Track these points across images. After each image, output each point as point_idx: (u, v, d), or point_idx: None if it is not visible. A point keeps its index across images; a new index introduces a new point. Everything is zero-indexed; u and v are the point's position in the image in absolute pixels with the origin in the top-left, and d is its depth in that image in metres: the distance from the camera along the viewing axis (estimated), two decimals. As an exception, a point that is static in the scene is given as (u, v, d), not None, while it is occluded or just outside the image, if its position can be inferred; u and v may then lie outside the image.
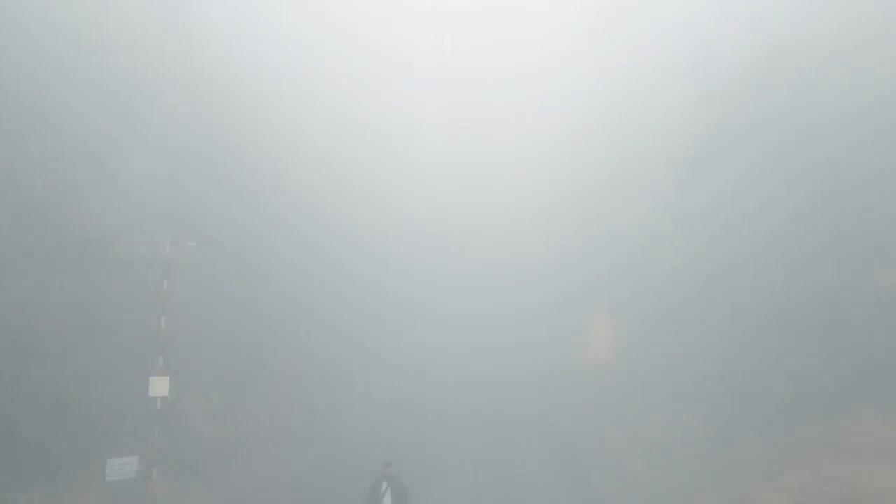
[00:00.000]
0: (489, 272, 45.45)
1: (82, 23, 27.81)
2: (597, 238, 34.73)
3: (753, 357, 22.16)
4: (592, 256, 35.07)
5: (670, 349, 26.29)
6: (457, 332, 43.09)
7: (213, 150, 30.91)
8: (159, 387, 15.53)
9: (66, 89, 26.08)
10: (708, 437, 22.16)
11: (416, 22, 55.52)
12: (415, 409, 33.79)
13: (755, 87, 25.51)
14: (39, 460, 18.00)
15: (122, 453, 17.51)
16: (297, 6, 43.70)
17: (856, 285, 20.61)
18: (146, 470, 15.96)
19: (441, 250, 50.15)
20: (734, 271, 24.22)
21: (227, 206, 28.95)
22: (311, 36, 44.85)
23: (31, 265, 21.19)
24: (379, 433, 28.66)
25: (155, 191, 25.49)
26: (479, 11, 54.57)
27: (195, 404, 22.45)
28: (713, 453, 21.26)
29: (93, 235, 23.22)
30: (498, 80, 50.86)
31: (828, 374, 19.88)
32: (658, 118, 30.89)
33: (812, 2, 27.54)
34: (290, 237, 36.25)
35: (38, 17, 26.18)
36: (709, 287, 25.45)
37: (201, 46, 32.97)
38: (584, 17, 43.33)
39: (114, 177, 24.73)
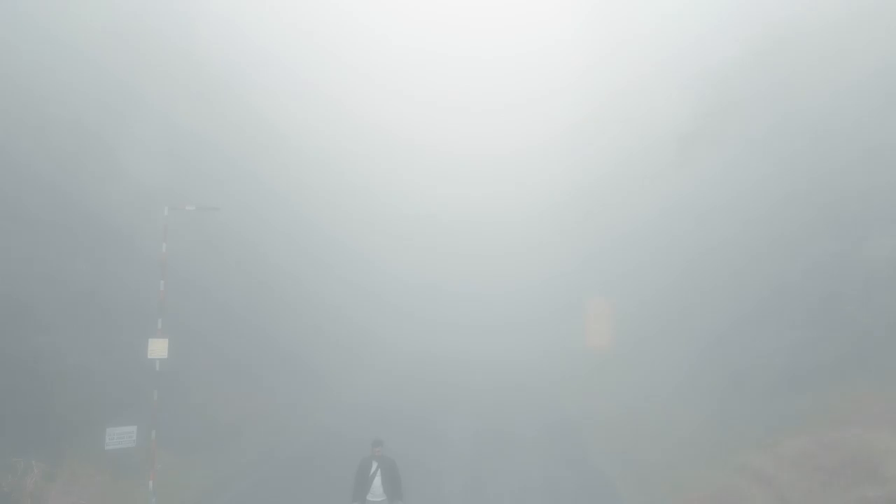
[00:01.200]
0: (488, 255, 45.72)
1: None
2: (595, 218, 34.84)
3: (751, 331, 22.25)
4: (591, 236, 35.19)
5: (668, 324, 26.41)
6: (462, 311, 43.49)
7: (211, 124, 30.96)
8: (158, 349, 15.47)
9: (66, 65, 26.11)
10: (707, 409, 22.28)
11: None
12: (415, 379, 34.13)
13: (754, 66, 25.55)
14: (39, 428, 17.98)
15: (121, 420, 17.50)
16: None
17: (851, 258, 20.67)
18: (145, 432, 15.91)
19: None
20: (730, 247, 24.29)
21: (225, 176, 28.90)
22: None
23: (31, 232, 21.21)
24: (382, 399, 28.92)
25: (154, 160, 25.50)
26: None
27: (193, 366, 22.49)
28: (712, 424, 21.38)
29: (93, 202, 23.23)
30: (498, 61, 50.89)
31: (824, 347, 19.97)
32: (657, 96, 30.96)
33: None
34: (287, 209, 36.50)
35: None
36: (706, 262, 25.53)
37: (200, 23, 32.98)
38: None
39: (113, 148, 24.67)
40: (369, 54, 49.48)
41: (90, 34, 27.60)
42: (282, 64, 40.89)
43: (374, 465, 14.40)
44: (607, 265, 33.24)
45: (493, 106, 52.18)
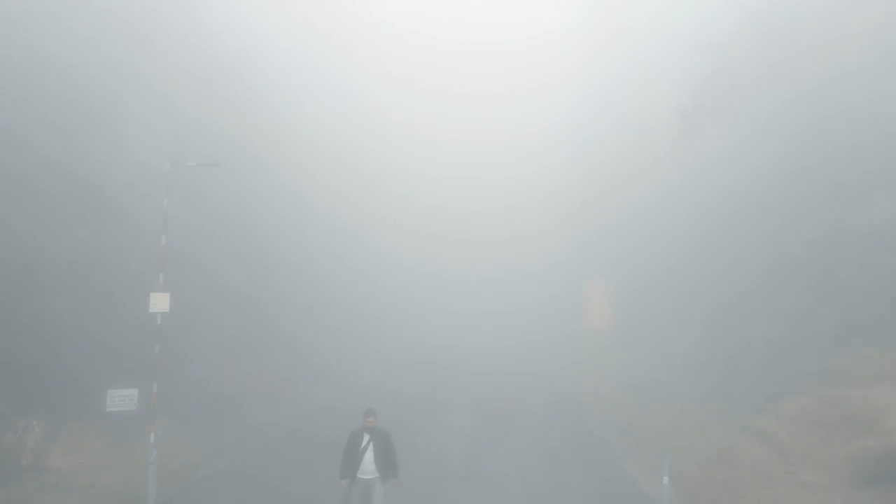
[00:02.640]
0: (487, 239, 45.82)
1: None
2: (596, 201, 34.94)
3: (751, 304, 22.32)
4: (591, 219, 35.28)
5: (669, 302, 26.50)
6: (463, 295, 43.61)
7: (213, 106, 31.04)
8: (160, 302, 15.52)
9: (66, 34, 26.23)
10: (708, 381, 22.33)
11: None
12: (424, 360, 34.24)
13: (756, 44, 25.66)
14: (40, 390, 18.03)
15: (124, 380, 17.49)
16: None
17: (851, 227, 20.75)
18: (146, 395, 15.93)
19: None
20: (731, 223, 24.39)
21: (226, 158, 28.98)
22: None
23: (31, 202, 21.28)
24: (383, 379, 29.04)
25: (153, 137, 25.61)
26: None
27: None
28: (713, 395, 21.43)
29: (92, 175, 23.30)
30: (496, 45, 51.01)
31: (824, 311, 20.01)
32: (658, 78, 31.09)
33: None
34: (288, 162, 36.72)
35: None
36: (707, 240, 25.62)
37: (203, 8, 33.15)
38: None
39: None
40: (367, 39, 49.67)
41: (91, 13, 27.73)
42: (284, 49, 41.07)
43: (366, 437, 12.63)
44: (608, 248, 33.35)
45: (492, 92, 52.36)
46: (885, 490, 13.09)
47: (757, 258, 23.12)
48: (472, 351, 39.12)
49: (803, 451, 15.63)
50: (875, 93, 21.82)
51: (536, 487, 16.77)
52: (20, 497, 14.75)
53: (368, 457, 12.56)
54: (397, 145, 50.80)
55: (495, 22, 53.80)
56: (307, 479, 16.13)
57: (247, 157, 33.32)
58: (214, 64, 34.37)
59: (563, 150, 42.98)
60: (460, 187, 52.06)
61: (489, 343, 40.16)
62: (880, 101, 21.67)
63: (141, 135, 26.42)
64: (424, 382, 30.80)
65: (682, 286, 26.37)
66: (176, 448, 18.10)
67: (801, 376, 18.66)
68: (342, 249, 42.34)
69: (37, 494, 14.85)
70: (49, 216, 21.54)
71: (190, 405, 21.70)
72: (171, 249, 17.33)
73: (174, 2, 32.61)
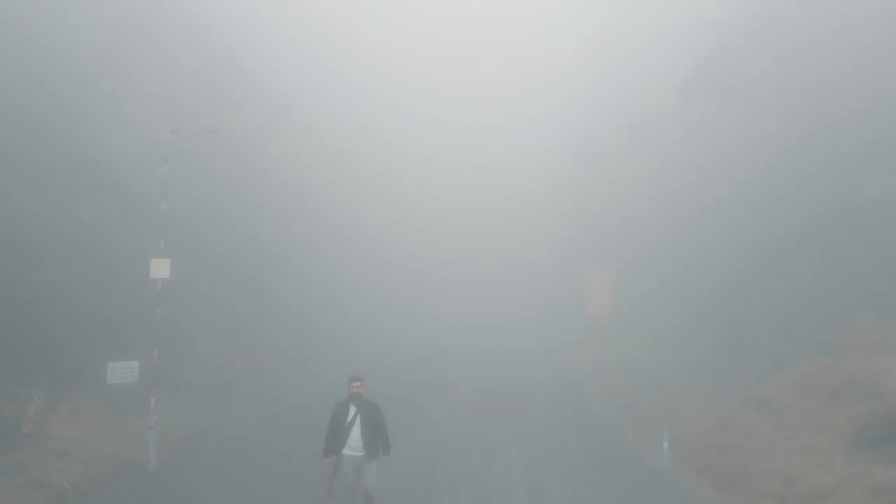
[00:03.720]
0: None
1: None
2: (597, 174, 34.94)
3: (751, 279, 22.35)
4: (591, 200, 35.29)
5: (671, 271, 26.54)
6: (462, 278, 43.65)
7: (214, 89, 31.08)
8: (160, 268, 15.52)
9: (67, 18, 26.22)
10: (708, 356, 22.36)
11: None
12: (426, 341, 34.33)
13: (757, 15, 25.58)
14: (40, 361, 18.04)
15: (124, 353, 17.49)
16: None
17: (852, 200, 20.75)
18: (148, 354, 15.94)
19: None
20: (731, 193, 24.39)
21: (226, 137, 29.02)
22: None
23: (31, 176, 21.29)
24: (384, 360, 29.13)
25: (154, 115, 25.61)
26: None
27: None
28: (713, 369, 21.45)
29: (93, 151, 23.32)
30: (494, 28, 50.88)
31: (825, 284, 19.99)
32: (659, 46, 31.06)
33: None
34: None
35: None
36: (707, 216, 25.64)
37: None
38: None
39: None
40: (365, 22, 49.63)
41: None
42: (283, 29, 41.05)
43: (353, 409, 11.16)
44: (608, 227, 33.34)
45: (491, 77, 52.36)
46: (886, 451, 13.08)
47: (758, 233, 23.13)
48: (473, 328, 39.29)
49: (803, 418, 15.63)
50: (875, 66, 21.80)
51: (536, 455, 16.81)
52: (20, 462, 14.74)
53: (355, 431, 11.10)
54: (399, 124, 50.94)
55: (495, 8, 53.76)
56: (308, 449, 16.16)
57: (246, 136, 33.35)
58: (214, 44, 34.39)
59: (563, 133, 42.99)
60: (463, 174, 52.13)
61: (489, 321, 40.53)
62: (880, 74, 21.65)
63: (141, 111, 26.43)
64: (427, 362, 30.91)
65: (683, 263, 26.40)
66: (177, 420, 18.07)
67: (801, 348, 18.65)
68: (347, 231, 42.41)
69: (37, 460, 14.84)
70: (49, 191, 21.56)
71: (191, 379, 21.75)
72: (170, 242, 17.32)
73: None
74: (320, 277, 37.20)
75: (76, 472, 14.38)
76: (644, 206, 29.70)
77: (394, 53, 51.77)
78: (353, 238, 43.14)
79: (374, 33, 50.83)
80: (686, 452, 16.06)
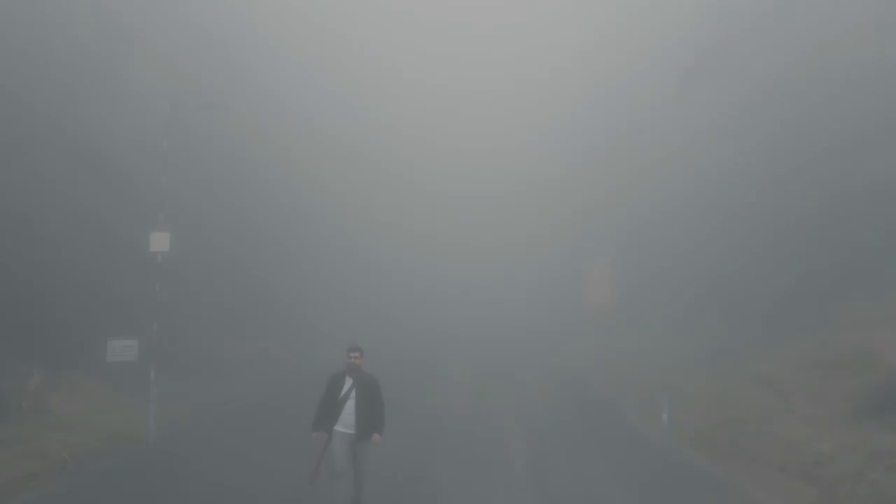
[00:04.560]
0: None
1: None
2: (595, 167, 34.98)
3: (755, 254, 22.39)
4: (591, 187, 35.30)
5: (676, 252, 26.59)
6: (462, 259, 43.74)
7: (214, 72, 31.11)
8: (160, 241, 15.53)
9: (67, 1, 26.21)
10: (708, 338, 22.40)
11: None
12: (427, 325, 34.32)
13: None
14: (40, 339, 18.06)
15: (124, 331, 17.48)
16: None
17: (851, 178, 20.79)
18: (148, 324, 15.95)
19: None
20: (734, 172, 24.44)
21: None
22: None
23: (31, 156, 21.30)
24: (385, 348, 29.14)
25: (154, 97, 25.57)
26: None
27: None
28: (714, 350, 21.46)
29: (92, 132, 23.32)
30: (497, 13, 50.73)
31: (825, 264, 20.04)
32: (659, 30, 31.08)
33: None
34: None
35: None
36: (705, 199, 25.67)
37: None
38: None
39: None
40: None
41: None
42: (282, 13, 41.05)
43: (349, 382, 10.16)
44: (609, 209, 33.36)
45: (490, 62, 52.35)
46: (886, 419, 13.08)
47: (758, 215, 23.16)
48: (474, 306, 39.42)
49: (803, 390, 15.68)
50: (875, 47, 21.82)
51: (535, 432, 16.81)
52: (20, 434, 14.73)
53: (349, 406, 10.03)
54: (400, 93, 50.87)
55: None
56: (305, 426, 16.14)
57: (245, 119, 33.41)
58: (214, 26, 34.46)
59: (565, 117, 42.93)
60: (467, 163, 52.19)
61: (488, 300, 40.71)
62: (880, 55, 21.68)
63: (140, 89, 26.43)
64: (425, 352, 30.90)
65: (684, 246, 26.43)
66: (176, 398, 18.10)
67: (801, 326, 18.71)
68: (347, 217, 42.45)
69: (37, 432, 14.83)
70: (49, 170, 21.56)
71: (190, 361, 21.79)
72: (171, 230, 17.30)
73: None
74: (323, 262, 37.25)
75: (76, 443, 14.35)
76: (645, 189, 29.71)
77: (393, 49, 51.83)
78: (356, 224, 43.20)
79: (373, 33, 50.92)
80: (686, 426, 16.07)
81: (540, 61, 47.15)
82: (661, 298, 26.83)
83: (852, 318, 17.69)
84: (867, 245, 19.53)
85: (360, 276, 40.22)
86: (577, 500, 11.55)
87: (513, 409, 19.45)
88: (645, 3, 33.26)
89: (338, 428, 10.05)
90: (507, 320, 38.52)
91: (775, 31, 24.64)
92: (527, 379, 24.36)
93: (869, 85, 21.82)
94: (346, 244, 41.01)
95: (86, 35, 25.68)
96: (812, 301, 19.61)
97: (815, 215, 21.25)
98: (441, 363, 27.51)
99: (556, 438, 16.07)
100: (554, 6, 46.69)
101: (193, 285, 24.79)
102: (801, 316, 19.41)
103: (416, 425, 16.29)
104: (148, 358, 15.70)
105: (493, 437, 16.07)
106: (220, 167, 30.76)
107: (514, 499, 11.61)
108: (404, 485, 12.16)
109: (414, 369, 24.93)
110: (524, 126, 48.45)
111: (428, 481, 12.46)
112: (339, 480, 10.01)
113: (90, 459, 13.84)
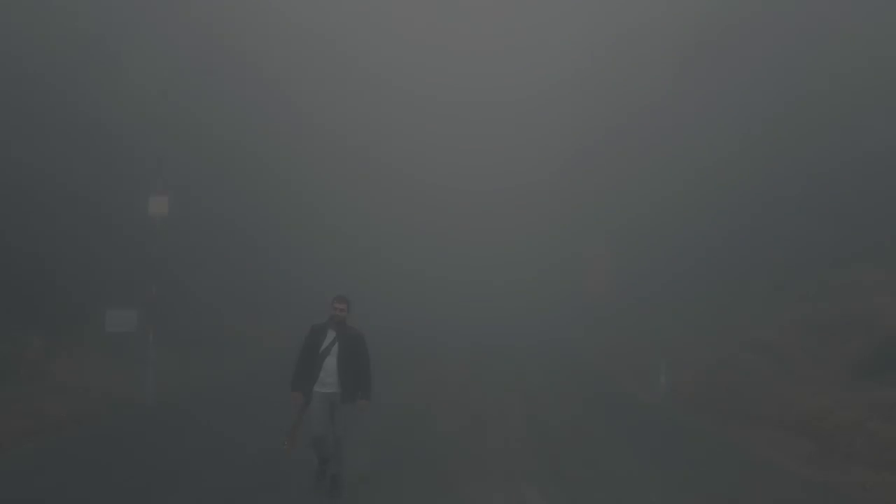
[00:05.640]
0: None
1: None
2: (595, 153, 35.02)
3: (754, 225, 22.43)
4: (590, 171, 35.34)
5: (677, 225, 26.64)
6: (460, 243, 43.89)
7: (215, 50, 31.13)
8: (159, 206, 15.51)
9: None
10: (712, 300, 22.44)
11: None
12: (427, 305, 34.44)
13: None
14: (39, 308, 18.02)
15: (123, 301, 17.46)
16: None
17: (850, 152, 20.80)
18: (147, 287, 15.92)
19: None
20: (732, 145, 24.48)
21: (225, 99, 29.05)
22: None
23: (30, 130, 21.31)
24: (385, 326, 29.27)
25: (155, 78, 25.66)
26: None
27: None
28: (712, 322, 21.46)
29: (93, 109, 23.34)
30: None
31: (824, 234, 20.06)
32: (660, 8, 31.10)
33: None
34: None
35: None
36: (705, 178, 25.72)
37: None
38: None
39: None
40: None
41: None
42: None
43: (331, 335, 8.84)
44: (612, 186, 33.35)
45: (494, 45, 52.30)
46: (884, 375, 13.10)
47: (757, 187, 23.17)
48: (472, 289, 39.55)
49: (802, 354, 15.70)
50: (874, 21, 21.82)
51: (536, 398, 16.85)
52: (18, 398, 14.74)
53: (330, 363, 8.71)
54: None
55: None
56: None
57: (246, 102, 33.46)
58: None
59: (567, 99, 42.86)
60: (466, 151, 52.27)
61: (486, 284, 40.89)
62: (879, 29, 21.67)
63: (139, 67, 26.42)
64: (424, 328, 30.94)
65: (682, 220, 26.48)
66: (173, 370, 18.12)
67: (800, 294, 18.71)
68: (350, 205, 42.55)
69: (36, 395, 14.84)
70: (49, 146, 21.58)
71: (188, 337, 21.75)
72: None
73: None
74: (323, 240, 37.31)
75: (74, 406, 14.41)
76: (645, 164, 29.73)
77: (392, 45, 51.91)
78: (357, 208, 43.30)
79: (372, 33, 50.94)
80: (685, 391, 16.12)
81: (540, 58, 47.24)
82: (662, 278, 26.77)
83: (850, 284, 17.67)
84: (864, 215, 19.53)
85: (370, 266, 40.30)
86: (575, 453, 11.58)
87: (512, 374, 19.56)
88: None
89: (316, 388, 8.69)
90: (510, 303, 38.70)
91: (776, 4, 24.63)
92: (524, 347, 24.49)
93: (870, 58, 21.81)
94: (354, 238, 41.11)
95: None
96: (810, 269, 19.62)
97: (814, 186, 21.25)
98: (444, 336, 27.67)
99: (551, 400, 16.14)
100: (553, 5, 46.78)
101: (197, 255, 24.82)
102: (800, 283, 19.42)
103: (419, 389, 16.37)
104: (146, 322, 15.68)
105: (492, 398, 16.13)
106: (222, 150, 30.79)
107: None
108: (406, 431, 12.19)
109: (421, 342, 25.11)
110: (524, 124, 48.58)
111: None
112: (318, 448, 8.74)
113: (88, 421, 13.90)
